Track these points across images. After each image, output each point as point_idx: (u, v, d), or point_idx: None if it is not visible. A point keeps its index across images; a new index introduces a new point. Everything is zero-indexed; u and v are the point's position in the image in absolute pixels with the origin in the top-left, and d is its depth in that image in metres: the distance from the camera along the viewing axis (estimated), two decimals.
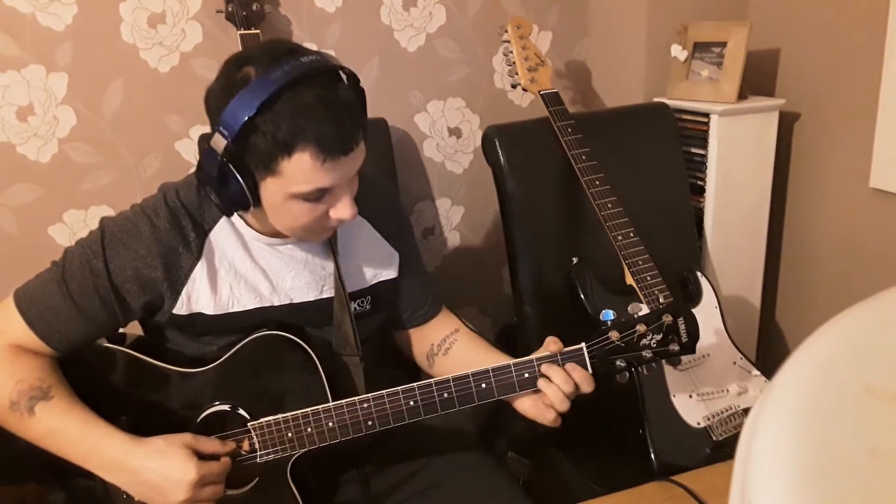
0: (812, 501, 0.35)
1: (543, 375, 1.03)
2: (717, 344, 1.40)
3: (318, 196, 0.95)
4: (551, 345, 1.04)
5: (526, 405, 1.06)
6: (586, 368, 1.03)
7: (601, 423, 1.43)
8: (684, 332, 1.03)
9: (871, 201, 1.58)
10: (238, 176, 0.92)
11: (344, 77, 0.95)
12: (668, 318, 1.02)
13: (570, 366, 1.03)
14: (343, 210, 0.98)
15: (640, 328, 1.02)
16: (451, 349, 1.21)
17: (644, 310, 1.34)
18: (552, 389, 1.01)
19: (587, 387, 1.02)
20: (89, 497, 1.03)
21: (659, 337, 1.02)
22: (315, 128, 0.89)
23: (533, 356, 1.04)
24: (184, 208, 1.03)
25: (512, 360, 1.04)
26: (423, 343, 1.25)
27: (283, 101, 0.88)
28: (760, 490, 0.36)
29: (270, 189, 0.95)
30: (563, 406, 1.02)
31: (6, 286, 1.05)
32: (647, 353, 1.03)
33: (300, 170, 0.91)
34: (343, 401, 1.02)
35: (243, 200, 0.95)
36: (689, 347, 1.04)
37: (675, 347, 1.03)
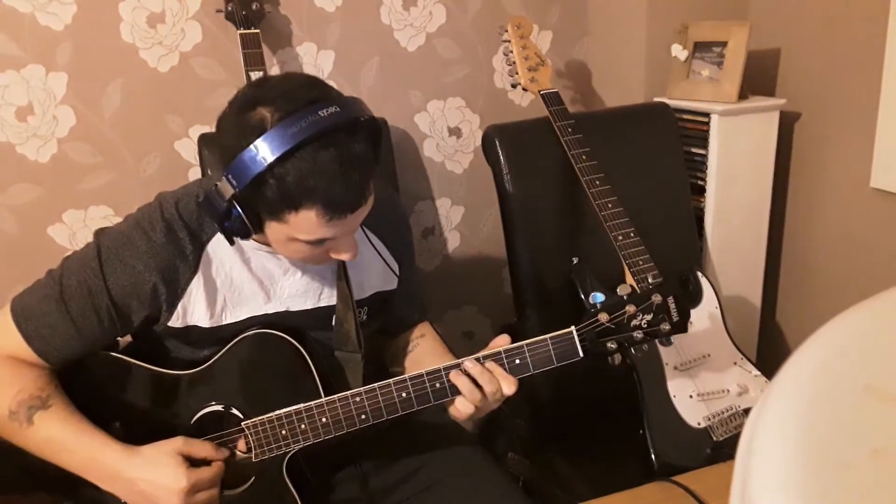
0: (813, 502, 0.34)
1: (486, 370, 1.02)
2: (718, 344, 1.40)
3: (321, 242, 0.96)
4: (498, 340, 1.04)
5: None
6: (576, 353, 1.01)
7: (601, 424, 1.43)
8: (675, 311, 1.02)
9: (871, 201, 1.58)
10: (243, 215, 0.92)
11: (363, 119, 0.93)
12: (657, 298, 1.01)
13: (489, 365, 1.01)
14: (344, 254, 0.99)
15: (630, 309, 1.01)
16: (413, 351, 1.25)
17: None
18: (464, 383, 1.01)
19: (508, 389, 1.01)
20: None
21: (649, 317, 1.02)
22: (324, 189, 0.88)
23: (524, 343, 1.03)
24: (181, 220, 1.02)
25: (502, 347, 1.03)
26: (394, 346, 1.29)
27: (295, 158, 0.86)
28: (761, 490, 0.36)
29: (274, 229, 0.95)
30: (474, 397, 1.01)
31: (6, 286, 1.05)
32: (637, 334, 1.02)
33: (305, 223, 0.91)
34: (335, 395, 1.02)
35: (245, 233, 0.95)
36: (681, 326, 1.03)
37: (665, 327, 1.02)
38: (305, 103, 0.88)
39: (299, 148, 0.86)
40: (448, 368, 1.02)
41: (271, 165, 0.86)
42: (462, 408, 1.02)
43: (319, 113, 0.87)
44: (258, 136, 0.86)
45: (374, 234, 1.17)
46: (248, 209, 0.91)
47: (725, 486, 0.41)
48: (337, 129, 0.88)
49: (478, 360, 1.02)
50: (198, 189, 1.05)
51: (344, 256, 0.99)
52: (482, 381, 1.00)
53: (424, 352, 1.24)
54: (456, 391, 1.02)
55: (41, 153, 1.65)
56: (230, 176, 0.88)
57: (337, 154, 0.87)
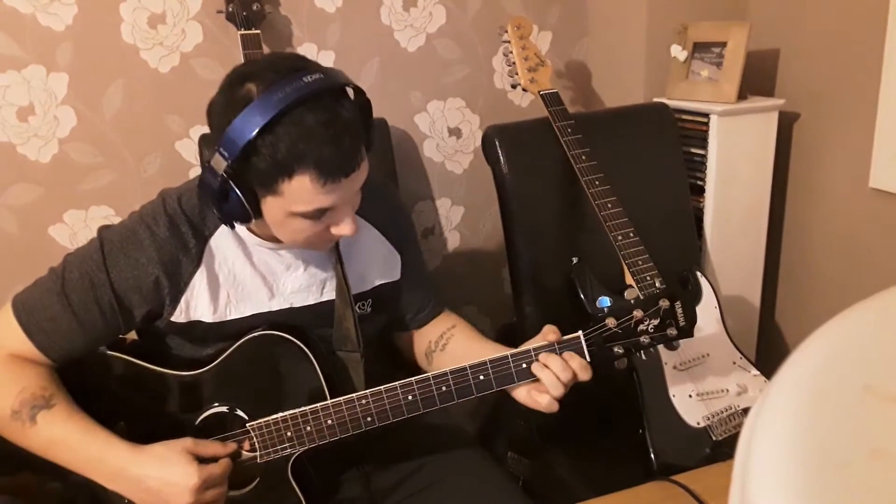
0: (812, 501, 0.35)
1: (540, 363, 1.02)
2: (717, 344, 1.40)
3: (319, 214, 0.95)
4: (549, 334, 1.04)
5: (521, 393, 1.05)
6: (584, 357, 1.02)
7: (601, 423, 1.43)
8: (681, 315, 1.02)
9: (870, 201, 1.58)
10: (239, 193, 0.91)
11: (350, 91, 0.94)
12: (664, 303, 1.01)
13: (567, 354, 1.02)
14: (344, 227, 0.98)
15: (637, 314, 1.01)
16: (448, 344, 1.21)
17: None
18: (546, 375, 1.00)
19: (585, 375, 1.01)
20: (88, 492, 1.03)
21: (656, 322, 1.01)
22: (315, 152, 0.88)
23: (530, 346, 1.03)
24: (184, 215, 1.03)
25: (510, 351, 1.04)
26: (422, 342, 1.26)
27: (283, 123, 0.87)
28: (760, 490, 0.36)
29: (271, 206, 0.94)
30: (558, 391, 1.00)
31: (6, 286, 1.05)
32: (644, 339, 1.02)
33: (300, 192, 0.91)
34: (341, 398, 1.02)
35: (244, 215, 0.94)
36: (687, 331, 1.03)
37: (672, 332, 1.02)
38: (289, 71, 0.89)
39: (285, 113, 0.86)
40: (454, 372, 1.02)
41: (260, 132, 0.86)
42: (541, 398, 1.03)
43: (304, 79, 0.88)
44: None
45: (372, 224, 1.17)
46: (243, 185, 0.91)
47: (725, 486, 0.41)
48: (321, 93, 0.89)
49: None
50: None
51: (345, 230, 0.98)
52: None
53: (464, 343, 1.20)
54: (463, 394, 1.02)
55: (42, 153, 1.65)
56: (221, 149, 0.89)
57: (323, 117, 0.88)
